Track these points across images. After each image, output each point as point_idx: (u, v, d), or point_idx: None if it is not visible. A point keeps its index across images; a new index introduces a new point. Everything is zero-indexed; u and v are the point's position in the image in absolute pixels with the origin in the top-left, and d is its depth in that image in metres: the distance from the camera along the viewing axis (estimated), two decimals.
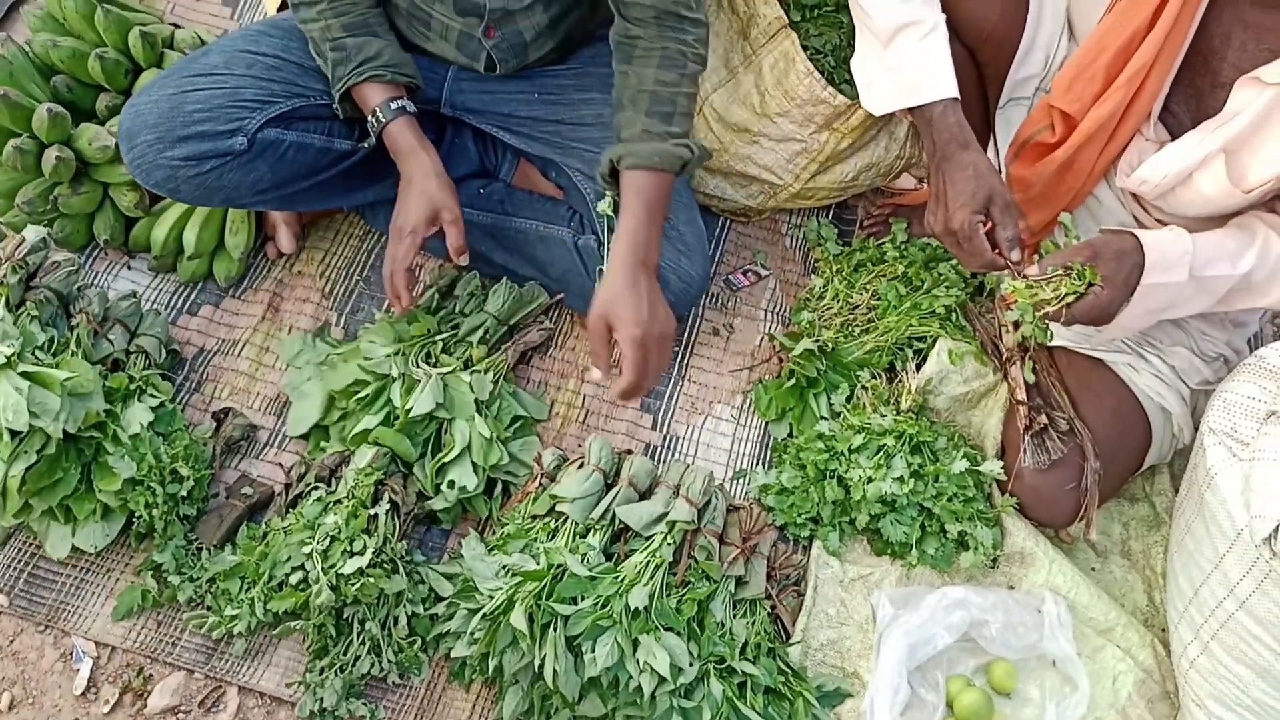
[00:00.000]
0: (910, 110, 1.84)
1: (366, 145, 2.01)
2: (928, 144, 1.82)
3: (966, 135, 1.80)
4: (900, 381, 2.14)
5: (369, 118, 1.91)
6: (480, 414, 2.01)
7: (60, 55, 2.17)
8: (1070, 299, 1.67)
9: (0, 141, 2.11)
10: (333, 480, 1.97)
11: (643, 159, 1.82)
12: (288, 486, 1.99)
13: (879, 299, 2.22)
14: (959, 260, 1.83)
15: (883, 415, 2.05)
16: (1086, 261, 1.69)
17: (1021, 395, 2.00)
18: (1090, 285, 1.67)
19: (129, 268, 2.25)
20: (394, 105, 1.90)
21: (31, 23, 2.25)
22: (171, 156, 1.83)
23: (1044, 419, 1.98)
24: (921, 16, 1.79)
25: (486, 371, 2.07)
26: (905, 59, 1.80)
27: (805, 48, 2.21)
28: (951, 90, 1.78)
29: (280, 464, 2.06)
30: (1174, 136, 1.79)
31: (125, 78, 2.21)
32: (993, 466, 2.00)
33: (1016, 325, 1.76)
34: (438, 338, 2.10)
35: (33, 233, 1.99)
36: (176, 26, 2.35)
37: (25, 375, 1.79)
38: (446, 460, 1.96)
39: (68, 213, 2.16)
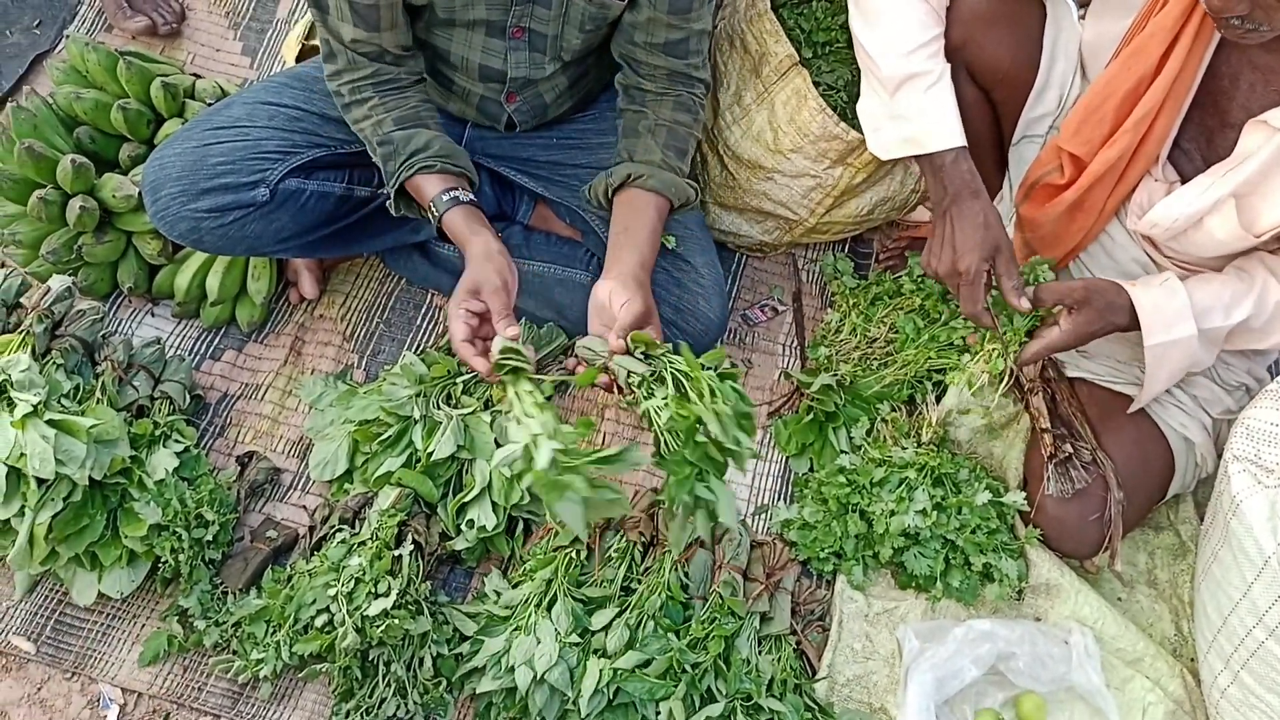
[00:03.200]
0: (917, 156, 1.86)
1: (385, 192, 2.04)
2: (935, 188, 1.84)
3: (977, 184, 1.81)
4: (920, 414, 2.14)
5: (427, 213, 1.86)
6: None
7: (83, 107, 2.21)
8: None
9: (25, 192, 2.14)
10: (356, 522, 1.98)
11: (662, 184, 1.87)
12: (312, 529, 2.00)
13: (897, 332, 2.22)
14: (961, 304, 1.84)
15: (903, 448, 2.06)
16: (1078, 305, 1.75)
17: (1045, 424, 2.00)
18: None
19: (152, 314, 2.28)
20: (447, 197, 1.83)
21: (55, 75, 2.29)
22: (196, 209, 1.86)
23: (1068, 448, 1.97)
24: (928, 68, 1.80)
25: (507, 411, 2.08)
26: (911, 109, 1.81)
27: (817, 84, 2.23)
28: (959, 140, 1.80)
29: (304, 506, 2.08)
30: (1184, 176, 1.80)
31: (147, 128, 2.24)
32: (1016, 498, 1.99)
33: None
34: (458, 379, 2.11)
35: (58, 282, 2.02)
36: (197, 76, 2.38)
37: (52, 423, 1.81)
38: (467, 500, 1.97)
39: (92, 261, 2.18)
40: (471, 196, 1.86)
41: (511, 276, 1.76)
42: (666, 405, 1.54)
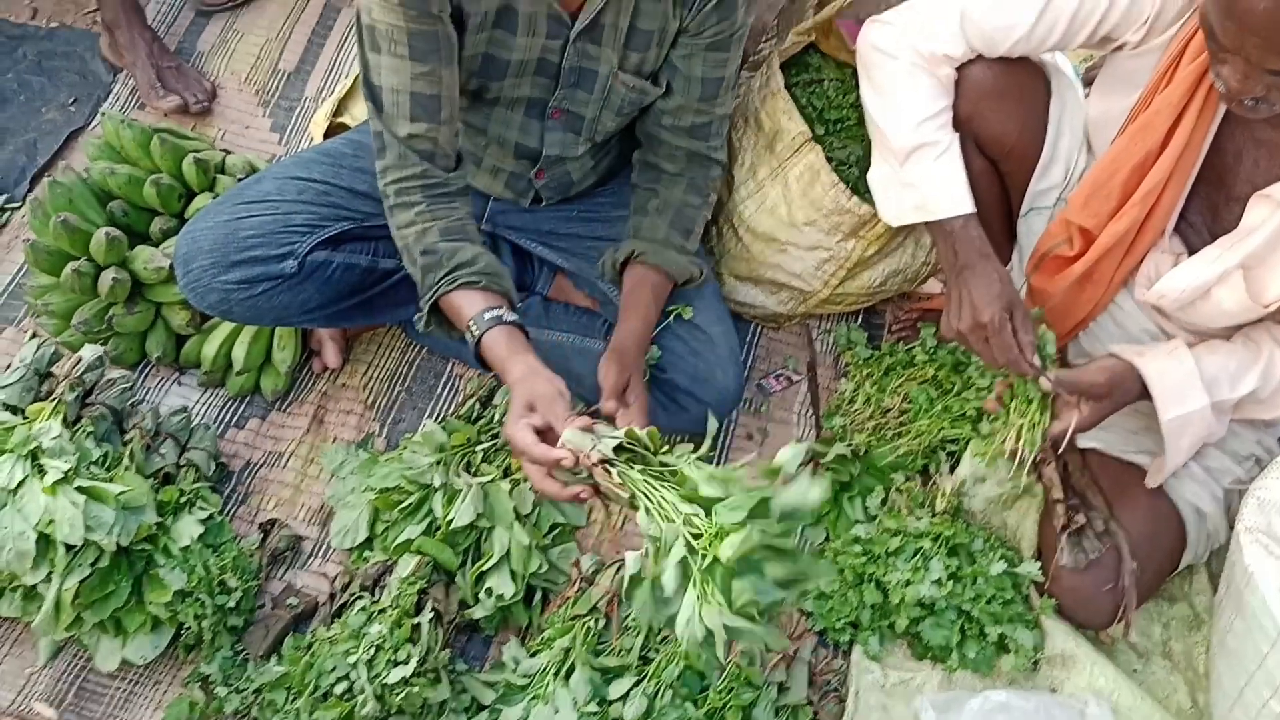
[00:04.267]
0: (928, 223, 1.90)
1: (419, 307, 2.07)
2: (946, 253, 1.88)
3: (987, 248, 1.86)
4: (934, 484, 2.16)
5: (465, 331, 1.76)
6: (520, 522, 2.04)
7: (117, 182, 2.27)
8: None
9: (59, 264, 2.20)
10: (377, 589, 2.00)
11: (663, 261, 1.98)
12: (332, 596, 2.02)
13: (910, 403, 2.25)
14: (980, 357, 1.88)
15: (918, 518, 2.07)
16: (1103, 395, 1.79)
17: (1058, 494, 2.02)
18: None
19: (179, 383, 2.32)
20: (490, 315, 1.74)
21: (89, 151, 2.36)
22: (225, 280, 1.91)
23: (1081, 518, 1.99)
24: (937, 139, 1.85)
25: (526, 480, 2.11)
26: (921, 177, 1.86)
27: (829, 159, 2.28)
28: (968, 206, 1.84)
29: (325, 574, 2.10)
30: (1191, 248, 1.84)
31: (178, 202, 2.31)
32: (1030, 568, 2.01)
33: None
34: (478, 447, 2.14)
35: (89, 351, 2.07)
36: (227, 152, 2.45)
37: (81, 490, 1.85)
38: (486, 568, 1.99)
39: (122, 331, 2.24)
40: (515, 317, 1.77)
41: (563, 386, 1.66)
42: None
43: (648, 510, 1.45)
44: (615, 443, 1.51)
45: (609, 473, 1.49)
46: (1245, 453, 2.03)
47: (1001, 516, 2.13)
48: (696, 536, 1.38)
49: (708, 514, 1.39)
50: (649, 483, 1.47)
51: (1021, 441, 1.85)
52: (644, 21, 1.88)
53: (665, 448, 1.53)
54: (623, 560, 2.00)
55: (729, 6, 1.90)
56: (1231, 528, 1.95)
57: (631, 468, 1.49)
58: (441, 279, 1.77)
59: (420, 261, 1.79)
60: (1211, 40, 1.56)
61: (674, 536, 1.39)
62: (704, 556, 1.36)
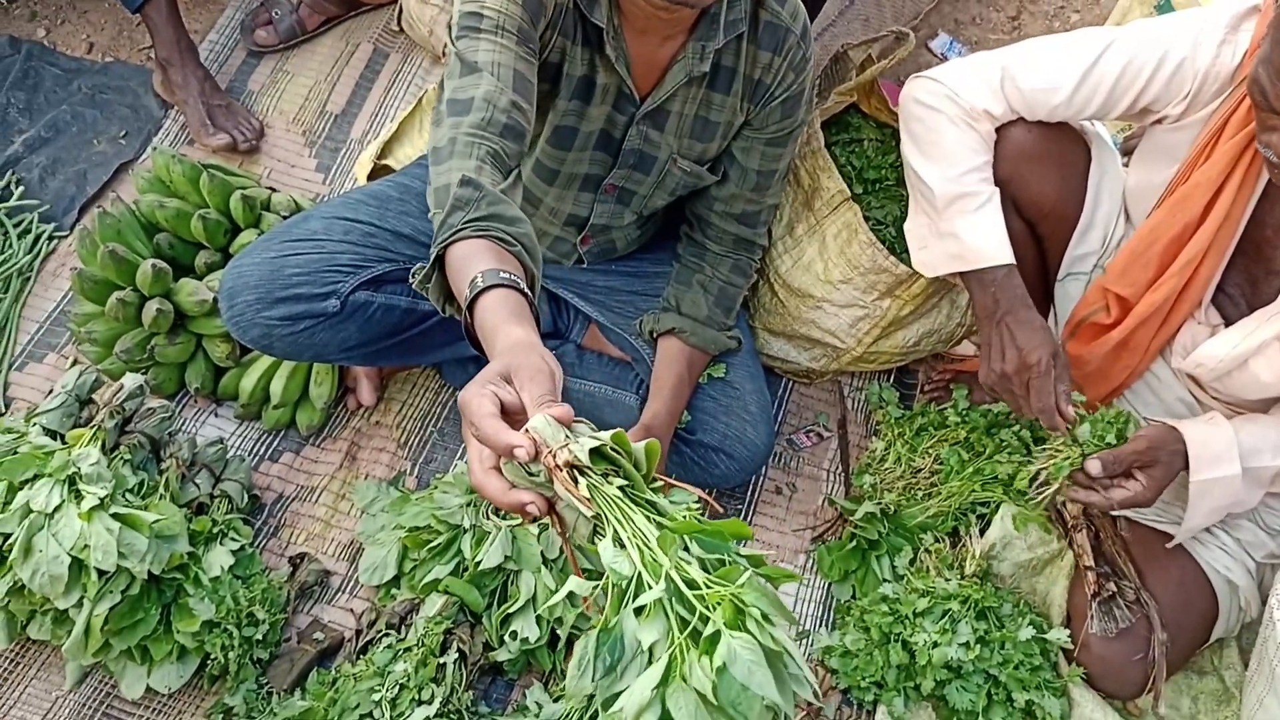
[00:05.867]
0: (965, 274, 1.91)
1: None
2: (984, 302, 1.89)
3: (1029, 298, 1.88)
4: (964, 546, 2.15)
5: (466, 286, 1.31)
6: (546, 566, 2.04)
7: (165, 215, 2.31)
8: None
9: (105, 293, 2.23)
10: (402, 628, 2.00)
11: (702, 341, 2.07)
12: (358, 633, 2.03)
13: (941, 463, 2.25)
14: (1012, 405, 1.90)
15: (947, 579, 2.06)
16: (1149, 462, 1.80)
17: (1089, 561, 2.01)
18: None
19: (216, 414, 2.34)
20: (503, 274, 1.31)
21: (139, 184, 2.40)
22: (269, 316, 1.93)
23: (1112, 586, 1.98)
24: (977, 190, 1.87)
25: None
26: (960, 226, 1.88)
27: (867, 218, 2.31)
28: (1008, 257, 1.86)
29: (351, 610, 2.11)
30: (1228, 320, 1.85)
31: (224, 237, 2.34)
32: (1059, 635, 1.99)
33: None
34: None
35: (131, 380, 2.10)
36: (273, 190, 2.49)
37: (116, 516, 1.86)
38: (511, 611, 1.99)
39: (162, 362, 2.26)
40: (527, 290, 1.34)
41: (559, 372, 1.22)
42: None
43: (617, 539, 1.06)
44: (596, 444, 1.10)
45: (575, 481, 1.08)
46: (1278, 527, 2.02)
47: (1031, 581, 2.12)
48: (690, 586, 1.04)
49: (703, 567, 1.07)
50: (625, 506, 1.08)
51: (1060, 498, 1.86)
52: (712, 114, 1.93)
53: (659, 482, 1.15)
54: None
55: (794, 104, 1.96)
56: (1264, 601, 1.94)
57: (608, 483, 1.09)
58: (469, 220, 1.38)
59: (455, 194, 1.41)
60: (1262, 107, 1.57)
61: (655, 576, 1.03)
62: (700, 616, 1.02)
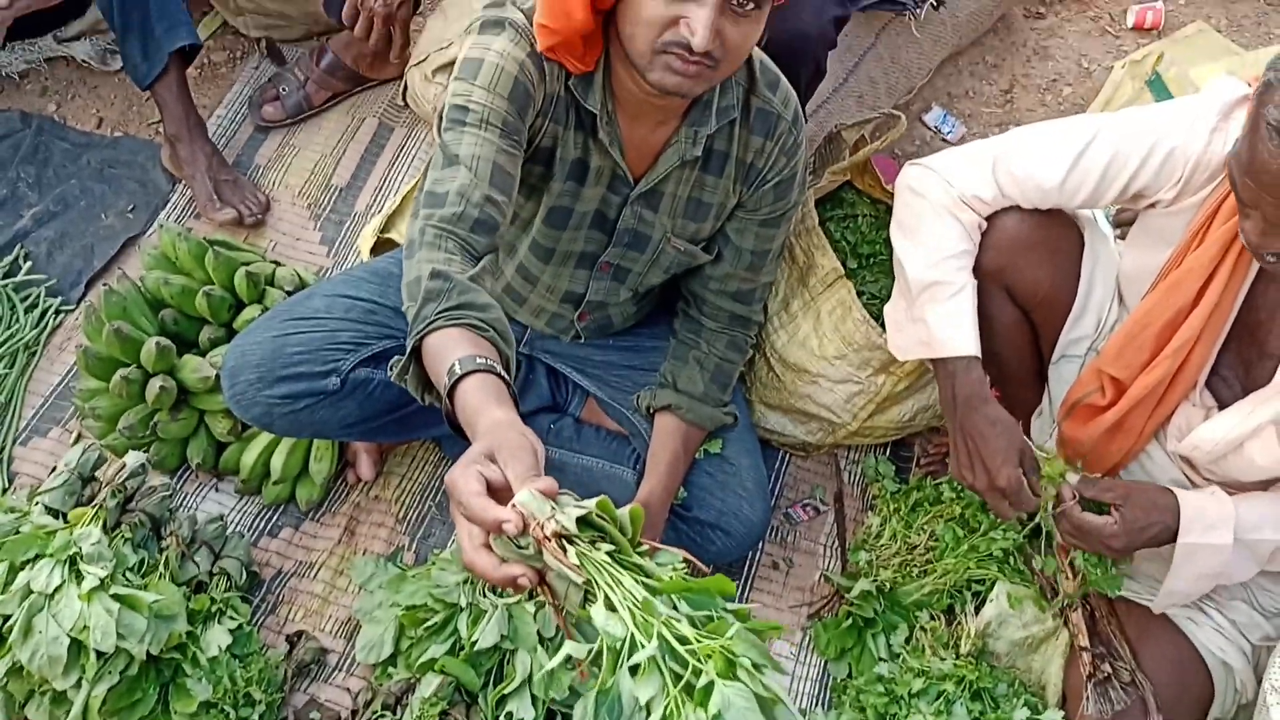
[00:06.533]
0: (932, 361, 1.94)
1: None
2: (946, 394, 1.92)
3: (985, 391, 1.89)
4: (959, 624, 2.15)
5: (445, 374, 1.37)
6: (543, 646, 2.05)
7: (170, 291, 2.35)
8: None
9: (109, 369, 2.26)
10: (399, 707, 2.01)
11: (699, 418, 2.08)
12: (354, 713, 2.03)
13: (937, 540, 2.26)
14: (994, 511, 1.93)
15: (942, 659, 2.07)
16: (1117, 501, 1.81)
17: (1084, 641, 2.01)
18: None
19: (217, 489, 2.37)
20: (480, 360, 1.37)
21: (146, 260, 2.44)
22: (270, 395, 1.96)
23: (1107, 667, 1.98)
24: (952, 279, 1.88)
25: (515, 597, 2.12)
26: (931, 314, 1.90)
27: (861, 294, 2.34)
28: (971, 349, 1.87)
29: (348, 689, 2.11)
30: (1222, 402, 1.86)
31: (228, 312, 2.38)
32: (1054, 716, 1.99)
33: (1075, 570, 1.87)
34: None
35: (133, 458, 2.12)
36: (278, 264, 2.52)
37: (116, 597, 1.88)
38: (507, 691, 1.99)
39: (165, 437, 2.29)
40: (508, 380, 1.40)
41: (540, 447, 1.28)
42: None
43: (609, 603, 1.10)
44: (582, 513, 1.16)
45: (564, 550, 1.12)
46: (1273, 609, 2.02)
47: (1027, 659, 2.12)
48: (681, 641, 1.09)
49: (693, 624, 1.11)
50: (614, 570, 1.13)
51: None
52: (705, 195, 1.96)
53: (645, 547, 1.20)
54: None
55: (786, 187, 1.99)
56: (1260, 684, 1.94)
57: (596, 549, 1.14)
58: (443, 311, 1.44)
59: (426, 287, 1.48)
60: (1235, 194, 1.60)
61: (647, 636, 1.08)
62: (693, 670, 1.07)
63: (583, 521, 1.15)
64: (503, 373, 1.38)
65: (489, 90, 1.67)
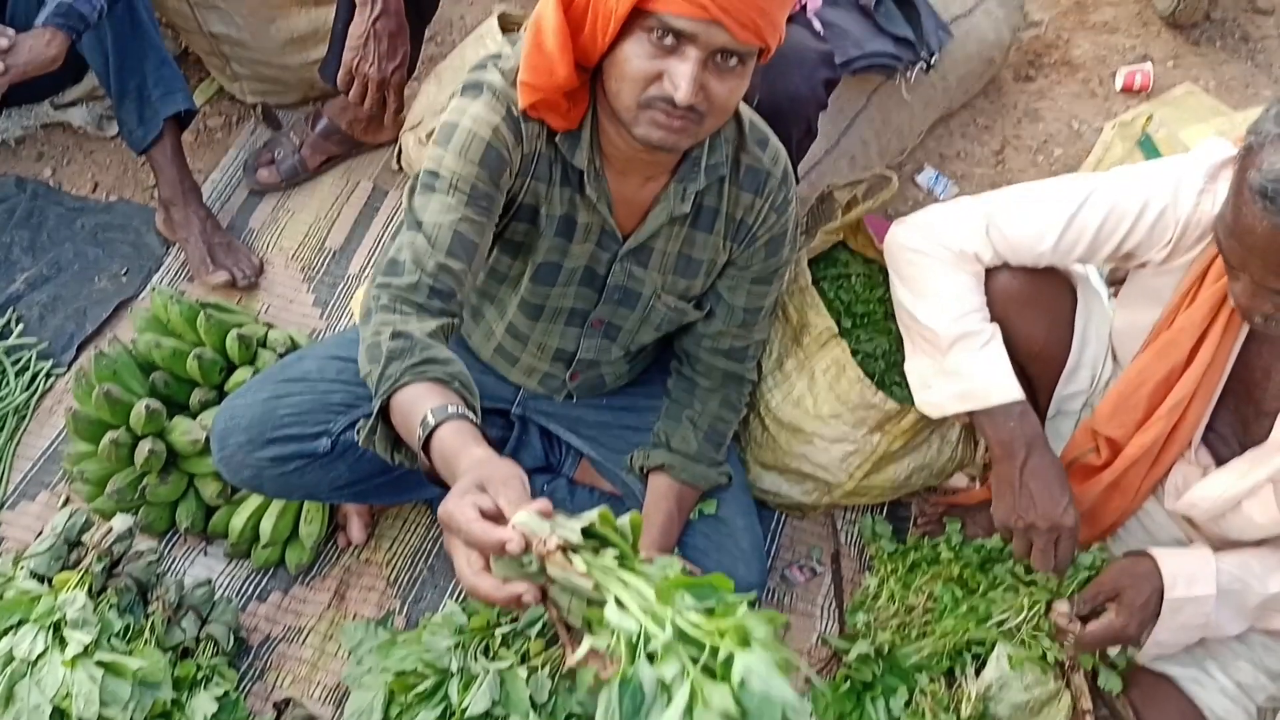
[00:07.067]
0: (974, 413, 1.92)
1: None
2: (1002, 440, 1.89)
3: (1046, 437, 1.90)
4: (960, 686, 2.11)
5: (419, 426, 1.42)
6: (535, 711, 2.01)
7: (161, 354, 2.33)
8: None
9: (98, 432, 2.24)
10: None
11: (692, 477, 2.06)
12: None
13: (935, 601, 2.23)
14: (1024, 551, 1.92)
15: None
16: (1110, 594, 1.83)
17: (1087, 704, 1.98)
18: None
19: (205, 553, 2.33)
20: (452, 409, 1.42)
21: (138, 323, 2.43)
22: (260, 457, 1.94)
23: None
24: (979, 329, 1.90)
25: (543, 666, 2.09)
26: (966, 366, 1.90)
27: (856, 352, 2.33)
28: (1019, 394, 1.87)
29: None
30: (1219, 459, 1.85)
31: (219, 375, 2.36)
32: None
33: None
34: (497, 630, 2.13)
35: (120, 522, 2.09)
36: (270, 326, 2.52)
37: (100, 664, 1.84)
38: None
39: (153, 501, 2.26)
40: (479, 424, 1.45)
41: (524, 477, 1.30)
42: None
43: (619, 602, 1.13)
44: (585, 524, 1.21)
45: (569, 560, 1.17)
46: (1278, 669, 1.99)
47: None
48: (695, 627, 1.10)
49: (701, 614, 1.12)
50: (619, 574, 1.16)
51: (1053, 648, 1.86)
52: (695, 251, 1.96)
53: (645, 558, 1.22)
54: None
55: (777, 245, 1.99)
56: None
57: (600, 556, 1.18)
58: (407, 368, 1.49)
59: (387, 349, 1.53)
60: (1223, 257, 1.61)
61: (659, 626, 1.10)
62: (710, 649, 1.08)
63: (585, 532, 1.19)
64: (474, 419, 1.43)
65: (460, 156, 1.70)
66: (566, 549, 1.17)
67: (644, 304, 1.99)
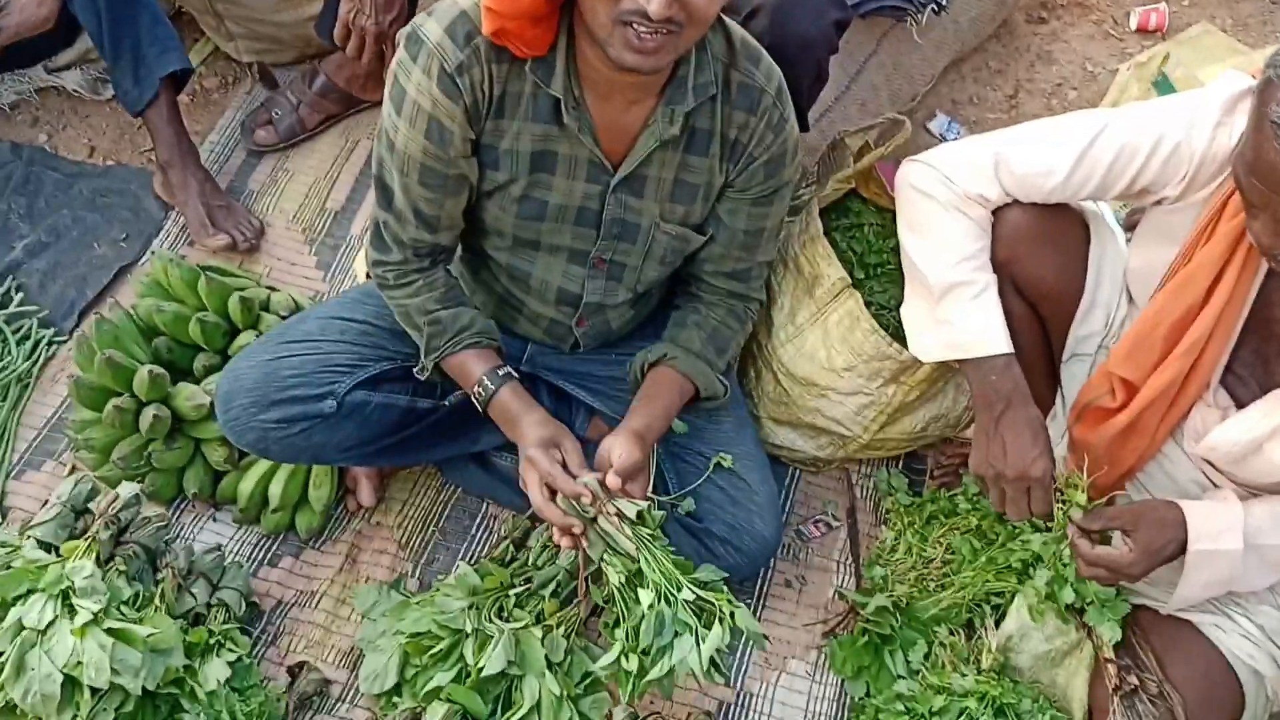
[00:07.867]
0: (962, 362, 1.89)
1: (449, 402, 2.10)
2: (983, 392, 1.87)
3: (1028, 392, 1.86)
4: (979, 638, 2.09)
5: (475, 388, 1.92)
6: (551, 671, 1.99)
7: (163, 319, 2.30)
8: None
9: (102, 400, 2.22)
10: None
11: (693, 370, 2.00)
12: None
13: (953, 553, 2.20)
14: (1000, 502, 1.91)
15: (963, 674, 2.01)
16: (1128, 525, 1.78)
17: (1109, 653, 1.95)
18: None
19: (214, 519, 2.31)
20: (500, 373, 1.92)
21: (138, 288, 2.40)
22: (264, 419, 1.92)
23: (1134, 679, 1.92)
24: (973, 279, 1.85)
25: (559, 626, 2.07)
26: (957, 315, 1.86)
27: (869, 304, 2.29)
28: (1006, 346, 1.84)
29: None
30: (1239, 401, 1.82)
31: (223, 339, 2.33)
32: None
33: None
34: (511, 591, 2.11)
35: (126, 489, 2.07)
36: (273, 289, 2.49)
37: (110, 632, 1.82)
38: (515, 718, 1.94)
39: (160, 467, 2.24)
40: (515, 375, 1.96)
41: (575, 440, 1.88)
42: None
43: (648, 561, 1.76)
44: (636, 510, 1.78)
45: (618, 524, 1.77)
46: None
47: (1050, 674, 2.06)
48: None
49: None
50: (646, 544, 1.78)
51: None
52: (690, 176, 1.89)
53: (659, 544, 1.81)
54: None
55: (776, 165, 1.92)
56: None
57: (636, 530, 1.78)
58: (447, 343, 1.93)
59: (427, 330, 1.94)
60: (1242, 195, 1.56)
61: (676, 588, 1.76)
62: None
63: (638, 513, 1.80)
64: (512, 372, 1.96)
65: (411, 125, 1.76)
66: (620, 514, 1.77)
67: (645, 236, 1.94)
